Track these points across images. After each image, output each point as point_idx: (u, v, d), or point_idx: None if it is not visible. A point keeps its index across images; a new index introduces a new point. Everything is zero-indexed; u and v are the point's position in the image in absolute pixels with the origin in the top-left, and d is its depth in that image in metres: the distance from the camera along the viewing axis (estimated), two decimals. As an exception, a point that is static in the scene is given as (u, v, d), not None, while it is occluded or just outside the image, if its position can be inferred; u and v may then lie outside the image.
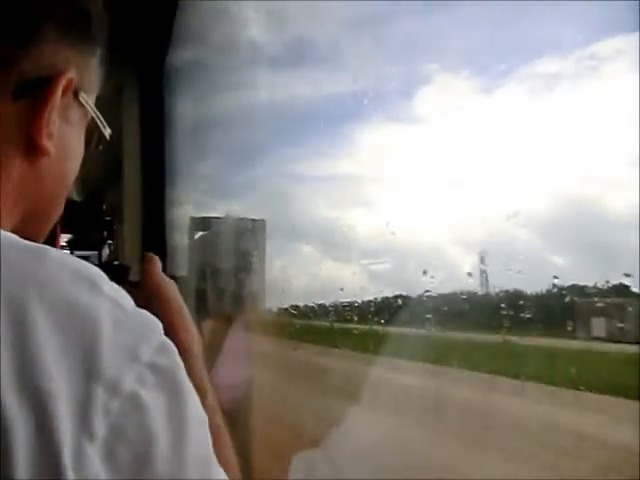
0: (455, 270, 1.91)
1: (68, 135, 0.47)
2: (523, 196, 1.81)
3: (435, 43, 2.06)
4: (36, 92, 0.43)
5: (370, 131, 1.98)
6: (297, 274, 1.89)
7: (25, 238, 0.41)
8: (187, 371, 0.40)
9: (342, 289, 1.94)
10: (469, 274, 1.74)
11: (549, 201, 1.74)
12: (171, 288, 0.59)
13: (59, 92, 0.44)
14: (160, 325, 0.39)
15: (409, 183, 1.86)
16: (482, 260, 1.91)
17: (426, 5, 2.00)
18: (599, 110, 1.47)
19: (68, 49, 0.45)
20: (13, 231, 0.41)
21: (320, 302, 1.94)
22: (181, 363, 0.38)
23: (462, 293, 1.86)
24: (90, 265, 0.39)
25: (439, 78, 1.92)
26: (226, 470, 0.40)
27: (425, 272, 1.72)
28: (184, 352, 0.45)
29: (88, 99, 0.48)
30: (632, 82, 1.45)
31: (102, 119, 0.50)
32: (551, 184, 1.67)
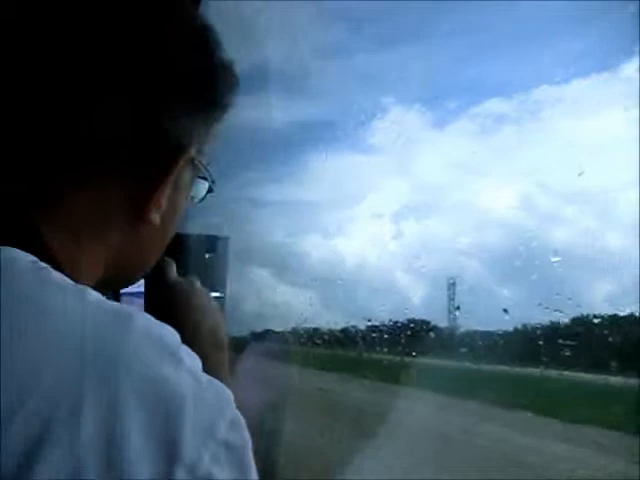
0: (407, 298, 2.03)
1: (175, 201, 0.46)
2: (472, 228, 1.97)
3: (393, 76, 2.22)
4: (157, 166, 0.43)
5: (327, 159, 2.10)
6: (251, 297, 1.97)
7: (109, 283, 0.44)
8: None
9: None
10: (457, 308, 1.84)
11: (496, 233, 1.90)
12: (203, 294, 0.58)
13: (179, 168, 0.44)
14: (231, 395, 0.39)
15: (363, 211, 1.99)
16: (451, 287, 2.03)
17: (388, 39, 2.17)
18: (539, 149, 1.64)
19: (195, 122, 0.45)
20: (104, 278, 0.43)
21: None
22: (248, 436, 0.39)
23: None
24: (169, 330, 0.39)
25: (395, 110, 2.07)
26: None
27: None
28: (217, 369, 0.48)
29: (203, 159, 0.47)
30: (570, 126, 1.64)
31: (211, 174, 0.50)
32: (497, 217, 1.84)
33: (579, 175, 1.22)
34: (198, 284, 0.59)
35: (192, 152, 0.45)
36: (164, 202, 0.44)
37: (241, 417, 0.39)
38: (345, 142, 2.09)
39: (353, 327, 2.16)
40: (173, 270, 0.58)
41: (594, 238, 1.63)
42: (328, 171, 2.16)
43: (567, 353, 1.66)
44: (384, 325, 2.03)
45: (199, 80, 0.45)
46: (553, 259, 1.51)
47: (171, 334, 0.39)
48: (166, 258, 0.57)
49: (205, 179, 0.50)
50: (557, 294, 1.67)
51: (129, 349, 0.36)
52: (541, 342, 1.67)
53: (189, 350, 0.39)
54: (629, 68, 1.30)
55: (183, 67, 0.43)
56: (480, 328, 1.87)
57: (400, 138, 2.05)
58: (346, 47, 2.22)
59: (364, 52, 2.29)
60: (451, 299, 2.04)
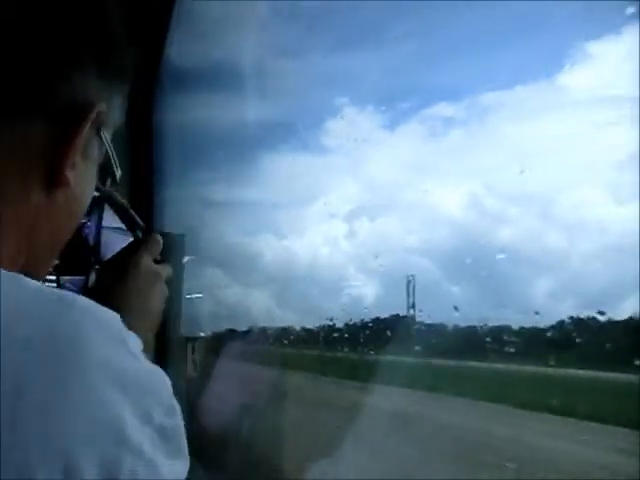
0: (360, 297, 2.10)
1: (84, 170, 0.47)
2: (423, 227, 2.05)
3: (347, 77, 2.28)
4: (68, 121, 0.44)
5: (280, 159, 2.15)
6: (206, 297, 1.99)
7: (28, 270, 0.43)
8: None
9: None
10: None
11: (446, 232, 1.99)
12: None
13: (89, 124, 0.45)
14: (169, 381, 0.40)
15: (316, 211, 2.04)
16: (410, 284, 2.11)
17: (342, 40, 2.23)
18: (486, 152, 1.74)
19: (102, 82, 0.47)
20: (21, 264, 0.43)
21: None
22: (182, 422, 0.40)
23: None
24: (113, 314, 0.39)
25: (348, 111, 2.14)
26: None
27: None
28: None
29: (108, 136, 0.49)
30: (513, 130, 1.74)
31: (116, 159, 0.51)
32: (447, 217, 1.92)
33: (521, 173, 1.31)
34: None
35: (99, 116, 0.46)
36: (78, 163, 0.45)
37: (177, 403, 0.40)
38: (298, 142, 2.14)
39: (320, 327, 2.24)
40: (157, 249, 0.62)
41: (536, 238, 1.74)
42: (281, 171, 2.20)
43: (511, 349, 1.79)
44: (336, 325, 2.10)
45: (98, 46, 0.47)
46: (499, 256, 1.60)
47: (114, 317, 0.39)
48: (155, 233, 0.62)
49: (108, 166, 0.51)
50: (503, 291, 1.78)
51: (71, 331, 0.36)
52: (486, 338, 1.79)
53: (132, 333, 0.39)
54: (562, 78, 1.41)
55: (84, 33, 0.46)
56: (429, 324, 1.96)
57: (353, 139, 2.12)
58: (300, 47, 2.26)
59: (318, 52, 2.34)
60: (410, 296, 2.12)
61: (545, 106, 1.48)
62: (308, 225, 2.18)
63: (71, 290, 0.66)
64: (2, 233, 0.42)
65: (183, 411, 0.41)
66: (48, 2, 0.44)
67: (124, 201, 0.63)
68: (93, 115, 0.45)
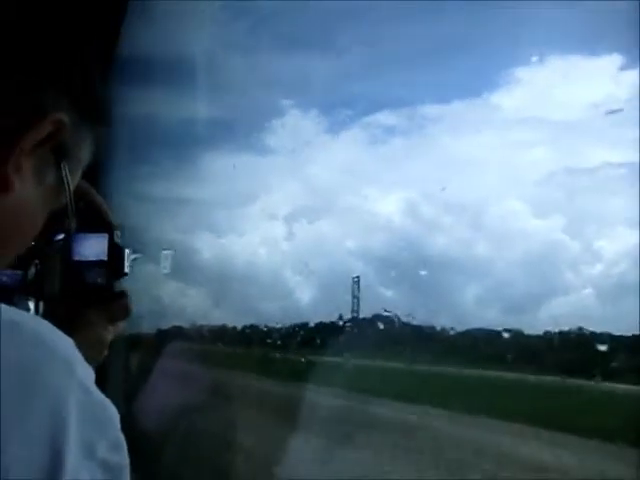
0: (295, 298, 2.15)
1: (34, 193, 0.44)
2: (360, 231, 2.13)
3: (293, 80, 2.33)
4: (17, 124, 0.41)
5: (221, 157, 2.17)
6: (141, 294, 1.98)
7: None
8: None
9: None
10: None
11: (382, 237, 2.07)
12: None
13: (42, 130, 0.42)
14: (117, 414, 0.41)
15: (256, 211, 2.08)
16: (355, 287, 2.18)
17: (291, 42, 2.27)
18: (423, 161, 1.84)
19: (71, 112, 0.44)
20: None
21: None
22: (127, 458, 0.41)
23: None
24: (66, 341, 0.39)
25: (292, 114, 2.19)
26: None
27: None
28: None
29: (69, 174, 0.46)
30: (449, 143, 1.84)
31: (73, 204, 0.49)
32: (384, 222, 2.01)
33: (442, 190, 1.41)
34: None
35: (55, 132, 0.43)
36: (25, 168, 0.42)
37: (123, 438, 0.41)
38: (240, 141, 2.16)
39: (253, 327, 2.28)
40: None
41: (466, 246, 1.86)
42: (222, 170, 2.22)
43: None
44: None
45: (75, 76, 0.46)
46: (421, 272, 1.71)
47: (66, 345, 0.39)
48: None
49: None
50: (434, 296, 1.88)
51: (18, 359, 0.36)
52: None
53: (84, 361, 0.40)
54: (494, 98, 1.53)
55: (47, 51, 0.44)
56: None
57: (296, 141, 2.17)
58: (247, 46, 2.29)
59: (265, 52, 2.37)
60: (355, 296, 2.18)
61: (479, 122, 1.59)
62: (247, 225, 2.21)
63: (7, 284, 0.66)
64: None
65: (119, 411, 0.42)
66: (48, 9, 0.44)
67: (102, 200, 0.60)
68: (46, 126, 0.43)
